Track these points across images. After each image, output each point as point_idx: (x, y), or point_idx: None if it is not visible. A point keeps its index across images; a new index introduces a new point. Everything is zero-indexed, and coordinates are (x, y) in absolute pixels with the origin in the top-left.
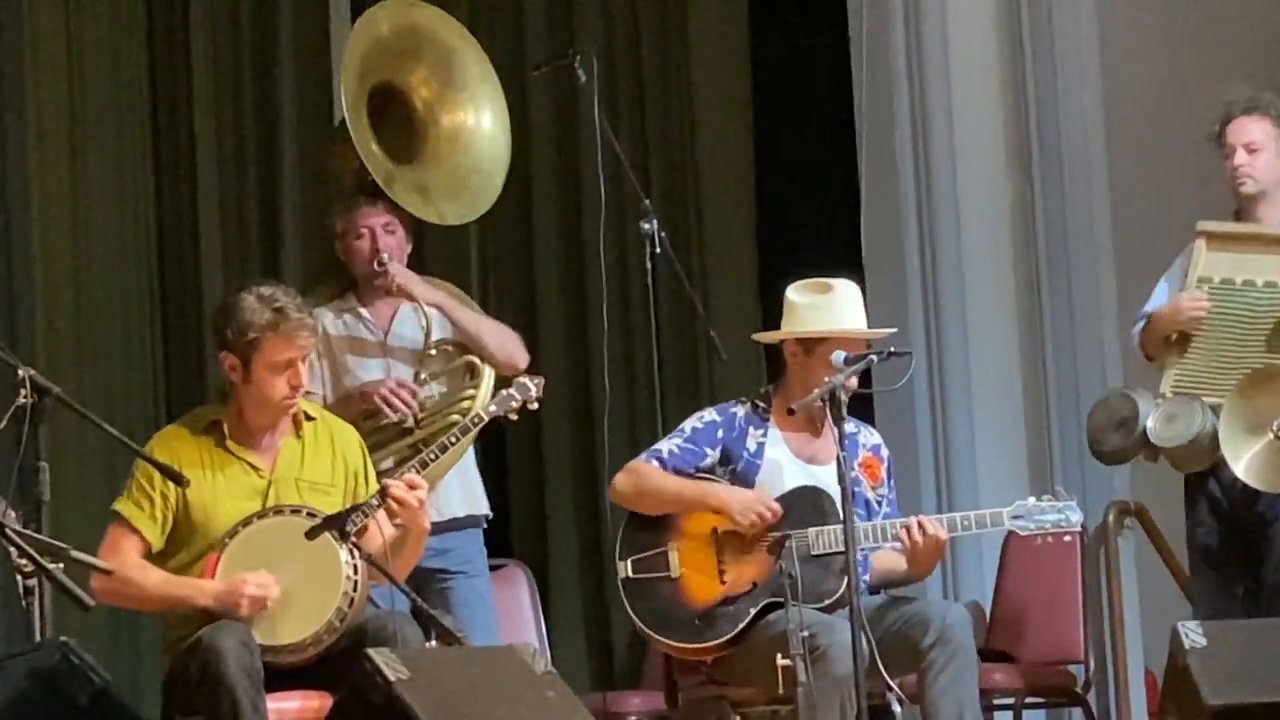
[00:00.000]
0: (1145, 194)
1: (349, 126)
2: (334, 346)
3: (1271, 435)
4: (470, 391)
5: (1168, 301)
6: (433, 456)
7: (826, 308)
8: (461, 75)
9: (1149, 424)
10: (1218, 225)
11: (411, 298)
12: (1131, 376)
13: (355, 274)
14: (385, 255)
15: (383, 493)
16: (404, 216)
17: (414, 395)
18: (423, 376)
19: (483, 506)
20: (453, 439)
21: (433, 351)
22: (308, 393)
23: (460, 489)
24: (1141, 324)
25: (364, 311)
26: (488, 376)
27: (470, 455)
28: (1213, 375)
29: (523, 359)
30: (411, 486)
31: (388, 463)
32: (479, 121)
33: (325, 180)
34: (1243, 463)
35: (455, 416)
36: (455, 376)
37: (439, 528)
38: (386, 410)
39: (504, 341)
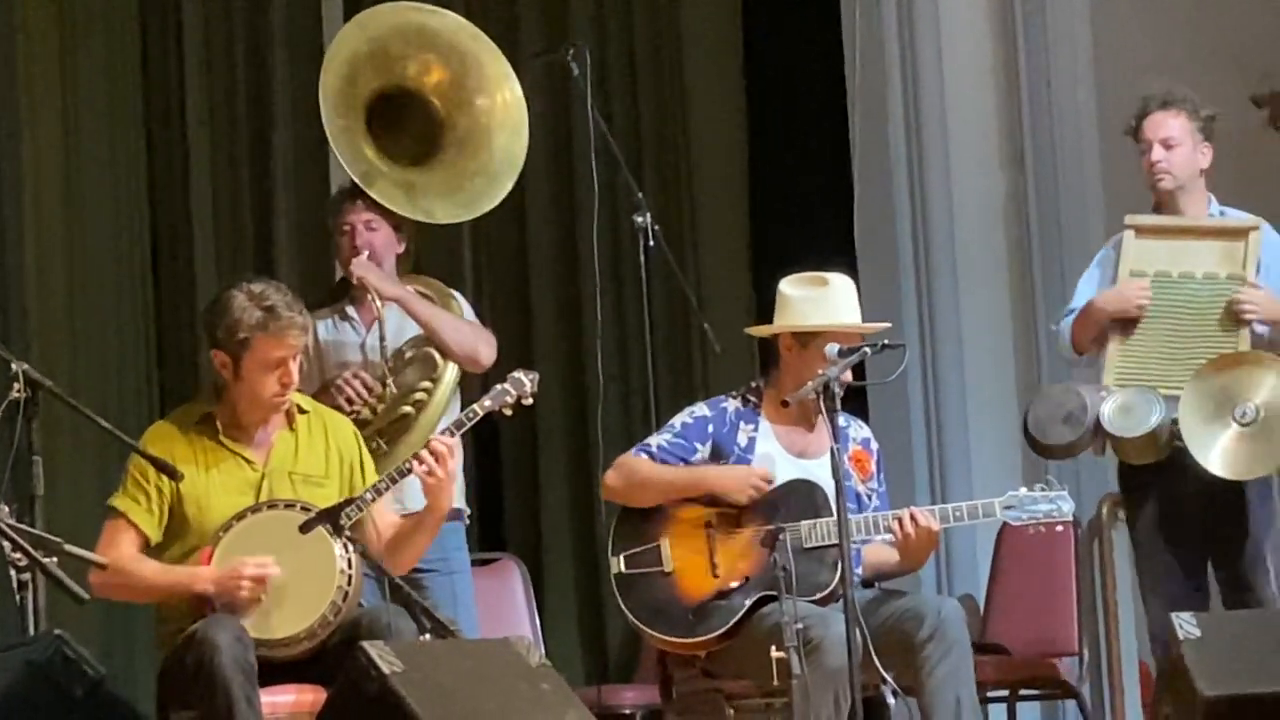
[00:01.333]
0: (1138, 186)
1: (325, 123)
2: (321, 346)
3: (1235, 424)
4: (426, 384)
5: (1108, 290)
6: (470, 417)
7: (822, 301)
8: (477, 77)
9: (1104, 415)
10: (1145, 218)
11: (369, 290)
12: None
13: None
14: (364, 253)
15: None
16: (393, 216)
17: (368, 386)
18: (386, 369)
19: (459, 501)
20: (448, 433)
21: (400, 346)
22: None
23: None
24: (1070, 318)
25: (351, 310)
26: (449, 370)
27: None
28: (1157, 366)
29: (486, 356)
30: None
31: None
32: (494, 122)
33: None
34: (1213, 456)
35: (408, 408)
36: (420, 369)
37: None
38: (340, 400)
39: (464, 337)
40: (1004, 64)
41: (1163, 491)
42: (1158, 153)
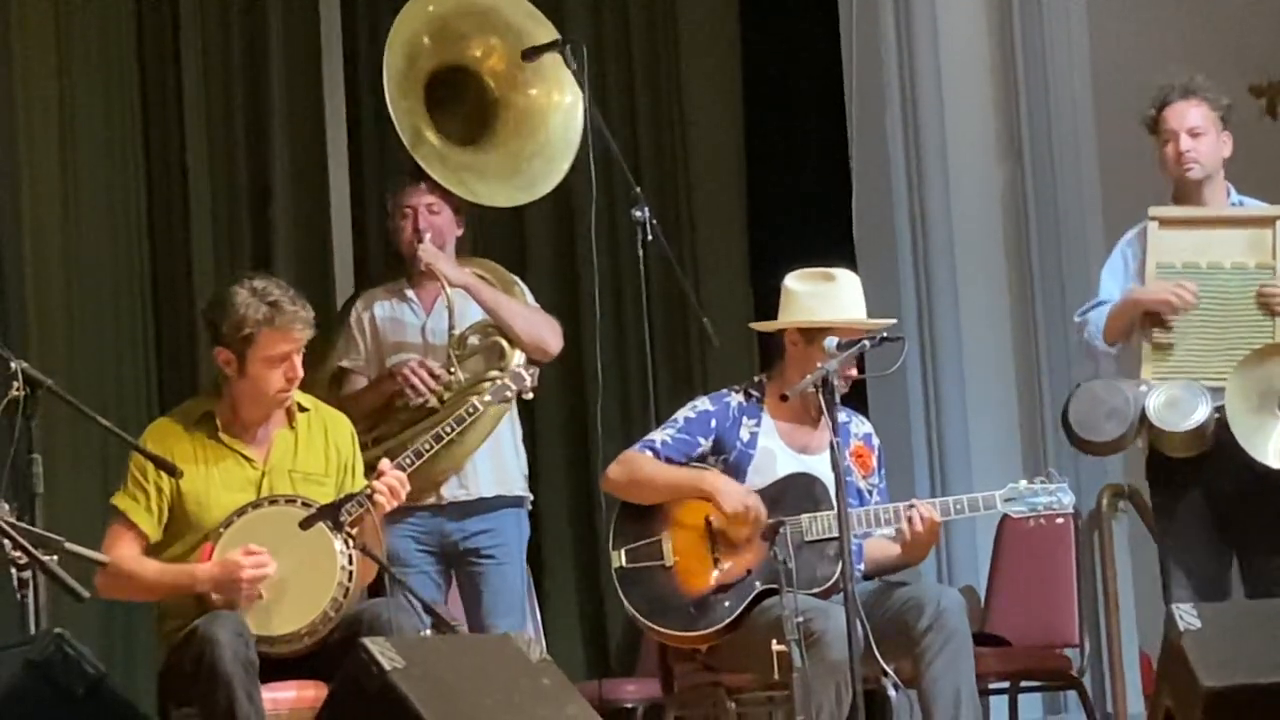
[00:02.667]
0: (1136, 178)
1: (389, 104)
2: (378, 329)
3: None
4: (495, 373)
5: (1147, 285)
6: (426, 447)
7: (829, 297)
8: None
9: (1151, 409)
10: (1169, 210)
11: (435, 277)
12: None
13: (403, 255)
14: (426, 235)
15: (377, 478)
16: (454, 199)
17: (435, 376)
18: (453, 356)
19: (517, 487)
20: (447, 429)
21: (464, 333)
22: (347, 370)
23: (493, 469)
24: (1102, 309)
25: (410, 294)
26: (515, 359)
27: (507, 434)
28: (1196, 359)
29: (554, 344)
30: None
31: (418, 441)
32: (550, 103)
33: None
34: (1268, 448)
35: (474, 397)
36: (486, 358)
37: (467, 508)
38: (408, 390)
39: (532, 326)
40: (1001, 57)
41: (1196, 484)
42: (1185, 142)
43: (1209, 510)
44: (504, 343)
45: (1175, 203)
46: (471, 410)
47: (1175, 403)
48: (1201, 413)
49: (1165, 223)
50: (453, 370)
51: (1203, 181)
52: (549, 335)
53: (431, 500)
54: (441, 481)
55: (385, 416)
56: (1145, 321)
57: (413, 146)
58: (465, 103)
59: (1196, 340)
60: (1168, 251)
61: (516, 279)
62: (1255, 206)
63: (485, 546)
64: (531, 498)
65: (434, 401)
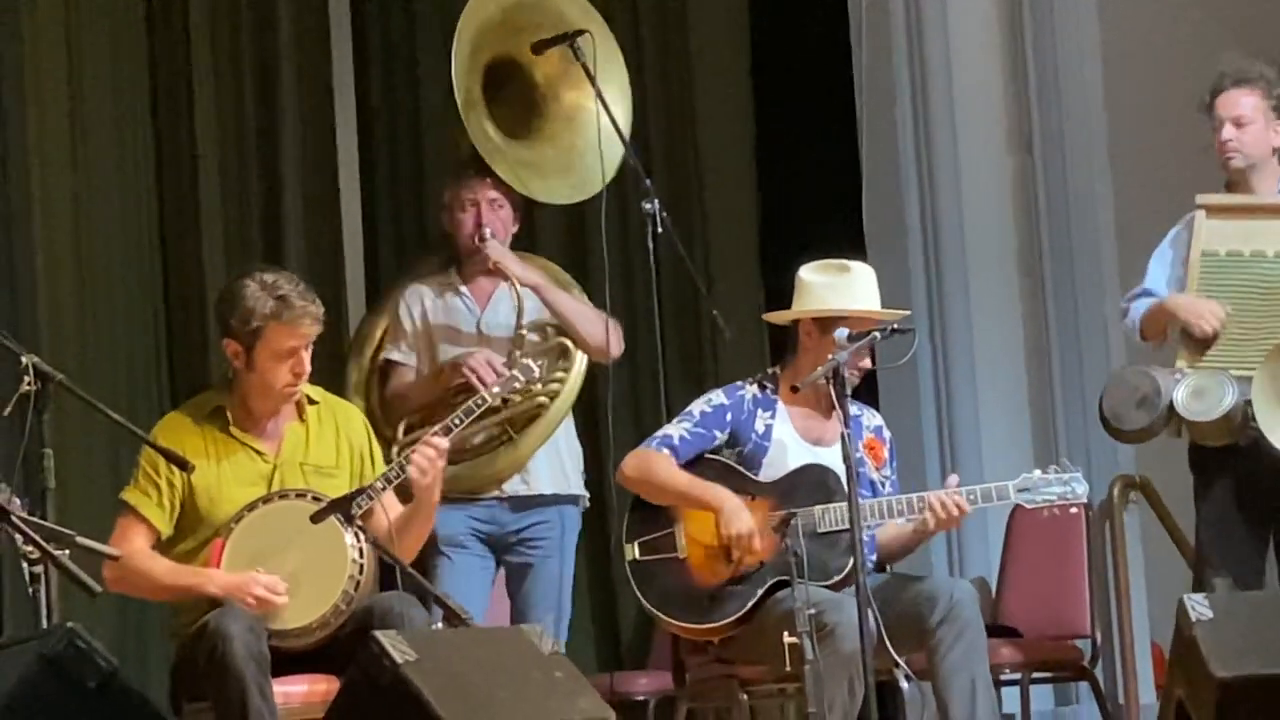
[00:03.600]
0: (1146, 168)
1: (457, 100)
2: (430, 323)
3: None
4: (561, 374)
5: (1186, 297)
6: (456, 422)
7: (844, 288)
8: (586, 52)
9: (1178, 399)
10: (1216, 198)
11: (507, 276)
12: (1134, 349)
13: (459, 247)
14: (487, 231)
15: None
16: (513, 194)
17: (497, 372)
18: (516, 355)
19: (574, 485)
20: (456, 421)
21: (524, 332)
22: (397, 363)
23: (548, 467)
24: (1143, 304)
25: (464, 289)
26: (579, 360)
27: (562, 433)
28: (1231, 348)
29: (617, 346)
30: (435, 450)
31: (478, 439)
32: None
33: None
34: None
35: (543, 398)
36: (549, 358)
37: (526, 503)
38: (475, 383)
39: (598, 329)
40: (1011, 48)
41: (1235, 472)
42: (1228, 131)
43: (1247, 498)
44: (569, 343)
45: (1228, 190)
46: (479, 403)
47: (1202, 392)
48: (1228, 402)
49: (1212, 210)
50: (516, 366)
51: (1249, 170)
52: (612, 337)
53: (494, 494)
54: (505, 479)
55: (436, 411)
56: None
57: (477, 140)
58: (512, 97)
59: (1234, 329)
60: (1212, 239)
61: (573, 280)
62: None
63: (534, 539)
64: (588, 496)
65: (498, 399)
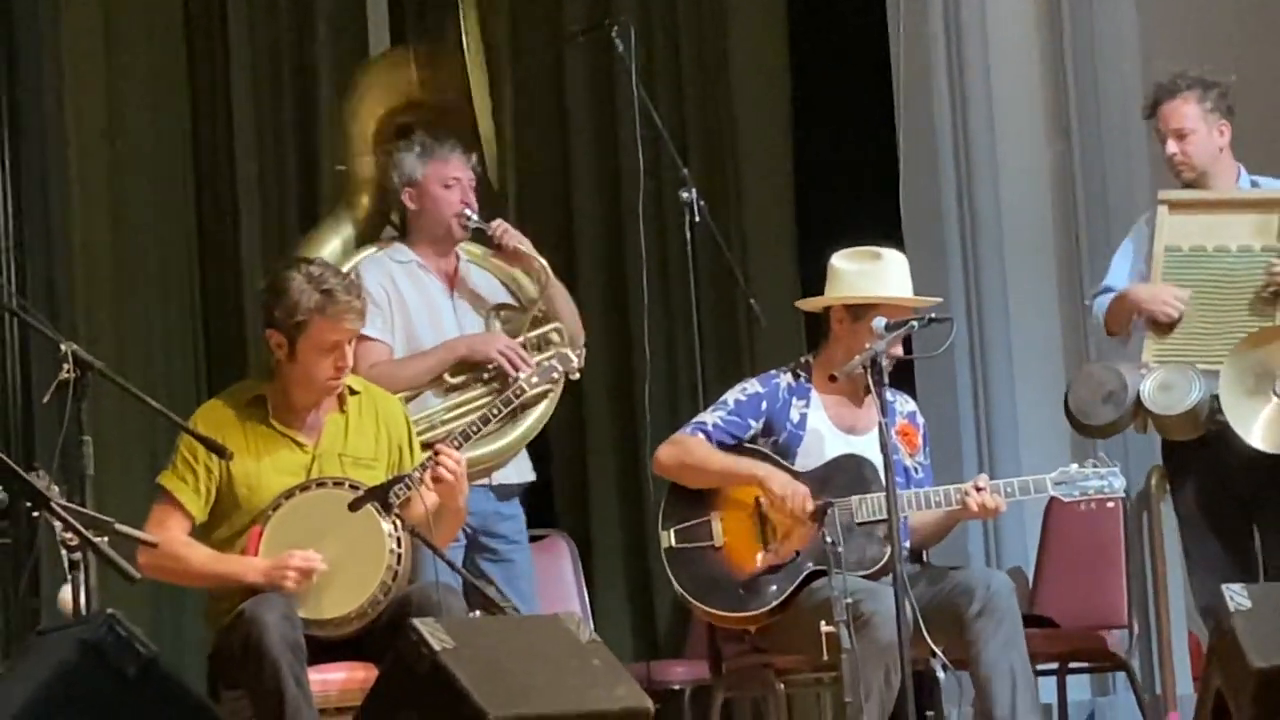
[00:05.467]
0: None
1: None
2: (405, 299)
3: (1275, 398)
4: (573, 358)
5: (1147, 286)
6: (475, 429)
7: (876, 275)
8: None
9: (1144, 393)
10: (1179, 193)
11: (526, 258)
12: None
13: (426, 224)
14: (468, 211)
15: (435, 453)
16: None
17: (523, 359)
18: (523, 338)
19: (530, 474)
20: (495, 410)
21: (538, 313)
22: (371, 339)
23: (523, 453)
24: (1107, 298)
25: (428, 266)
26: (568, 344)
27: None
28: (1196, 342)
29: (582, 337)
30: (455, 462)
31: (463, 423)
32: None
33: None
34: (1254, 430)
35: (523, 379)
36: (540, 341)
37: (511, 491)
38: (508, 368)
39: (576, 315)
40: (1049, 36)
41: (1206, 465)
42: (1172, 146)
43: (1220, 492)
44: (561, 330)
45: (1187, 188)
46: (519, 392)
47: (1168, 386)
48: (1194, 396)
49: (1175, 206)
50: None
51: (1202, 176)
52: (579, 326)
53: (483, 482)
54: (498, 466)
55: (419, 393)
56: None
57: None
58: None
59: (1198, 323)
60: (1175, 235)
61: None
62: (1269, 188)
63: (509, 534)
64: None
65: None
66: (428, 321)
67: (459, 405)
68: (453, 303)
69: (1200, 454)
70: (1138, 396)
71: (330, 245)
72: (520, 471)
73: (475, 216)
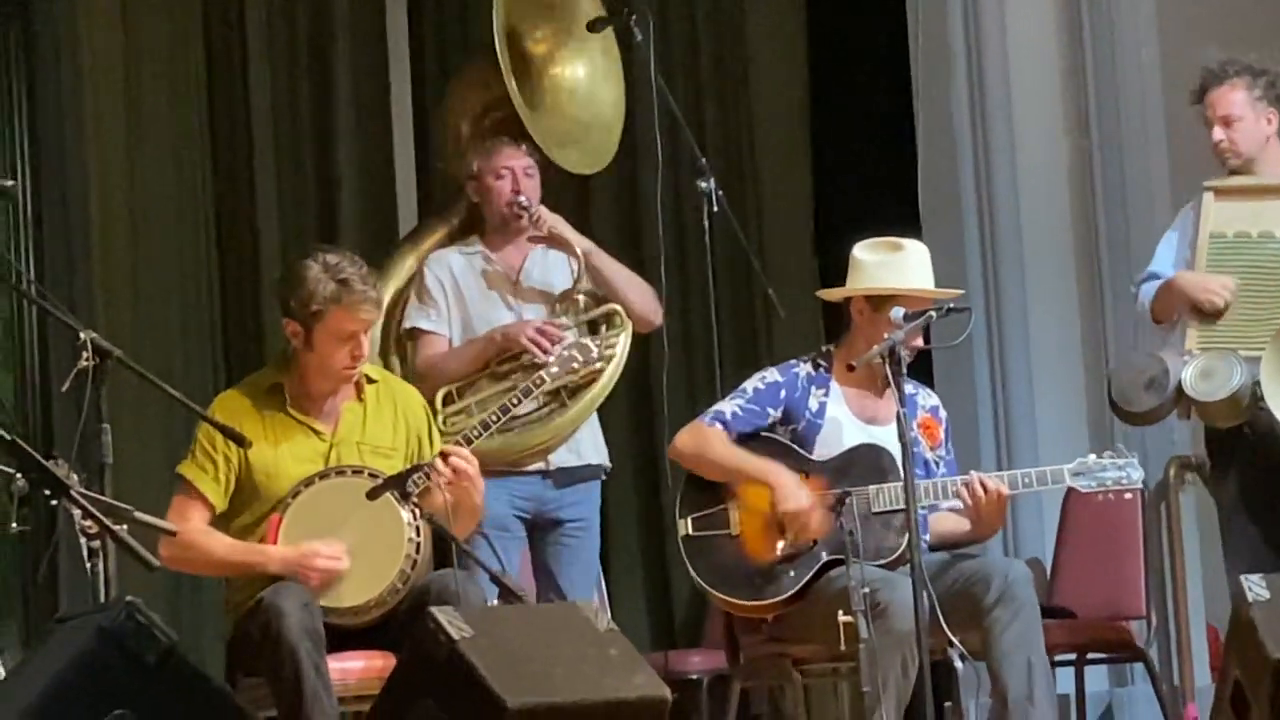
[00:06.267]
0: (1203, 150)
1: (502, 66)
2: (463, 290)
3: None
4: (613, 341)
5: (1194, 274)
6: (495, 419)
7: (897, 266)
8: (578, 29)
9: (1186, 380)
10: (1225, 181)
11: (563, 242)
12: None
13: (488, 215)
14: (524, 199)
15: (442, 457)
16: (541, 163)
17: (555, 341)
18: (563, 322)
19: (604, 456)
20: (514, 400)
21: (579, 297)
22: (427, 331)
23: (590, 436)
24: (1153, 285)
25: (492, 255)
26: (629, 327)
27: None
28: (1239, 329)
29: (659, 315)
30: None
31: (528, 406)
32: (591, 75)
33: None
34: None
35: (600, 364)
36: (595, 324)
37: (573, 475)
38: (535, 353)
39: (646, 297)
40: (1067, 27)
41: (1249, 454)
42: (1218, 133)
43: (1263, 480)
44: (618, 310)
45: (1233, 175)
46: (539, 382)
47: (1210, 373)
48: (1236, 382)
49: (1221, 193)
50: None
51: (1247, 164)
52: (655, 305)
53: (539, 466)
54: (552, 449)
55: (476, 380)
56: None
57: (518, 104)
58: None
59: (1241, 310)
60: (1220, 221)
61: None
62: None
63: (575, 519)
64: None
65: (556, 368)
66: (484, 310)
67: (500, 394)
68: (516, 292)
69: (1243, 442)
70: (1179, 383)
71: (428, 244)
72: (581, 454)
73: (528, 203)
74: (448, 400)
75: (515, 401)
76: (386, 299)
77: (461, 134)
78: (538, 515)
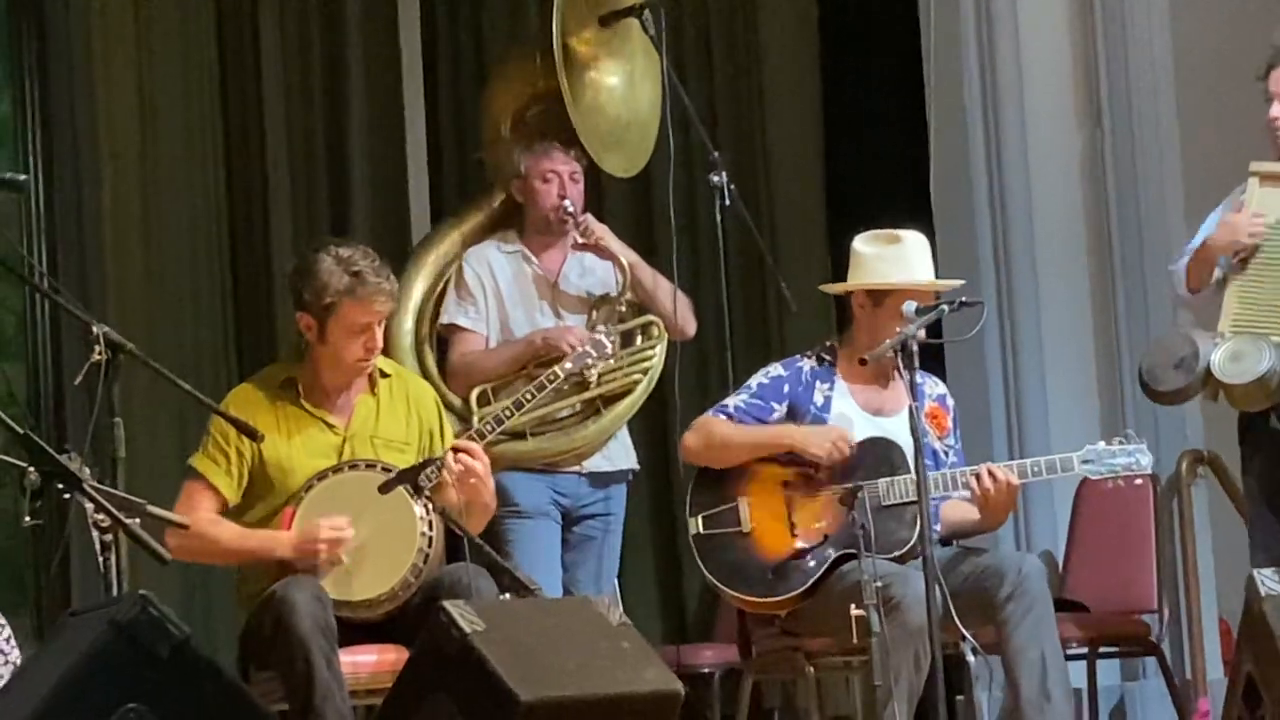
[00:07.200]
0: (1215, 140)
1: (556, 66)
2: (502, 288)
3: None
4: (649, 350)
5: (1219, 228)
6: (508, 414)
7: (895, 259)
8: (622, 29)
9: (1214, 361)
10: (1270, 165)
11: (605, 250)
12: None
13: (531, 217)
14: (570, 205)
15: (453, 452)
16: (586, 169)
17: (598, 349)
18: (602, 329)
19: (633, 460)
20: (528, 396)
21: (620, 308)
22: (465, 329)
23: (619, 441)
24: (1186, 258)
25: (532, 256)
26: (665, 339)
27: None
28: (1273, 314)
29: (693, 326)
30: (472, 455)
31: (564, 412)
32: (630, 75)
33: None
34: None
35: (637, 374)
36: (631, 334)
37: (609, 479)
38: (569, 358)
39: (684, 308)
40: (1080, 18)
41: (1276, 444)
42: (1276, 109)
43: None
44: (655, 320)
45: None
46: (552, 378)
47: (1239, 355)
48: (1265, 365)
49: (1265, 178)
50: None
51: None
52: (692, 317)
53: (574, 469)
54: (587, 455)
55: (512, 379)
56: (1234, 270)
57: (570, 107)
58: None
59: (1276, 295)
60: (1263, 205)
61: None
62: None
63: (603, 514)
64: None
65: (593, 376)
66: (522, 310)
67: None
68: (553, 295)
69: (1273, 431)
70: (1208, 365)
71: (457, 233)
72: (612, 460)
73: (574, 209)
74: (482, 400)
75: (529, 397)
76: (427, 277)
77: (502, 127)
78: (571, 509)
